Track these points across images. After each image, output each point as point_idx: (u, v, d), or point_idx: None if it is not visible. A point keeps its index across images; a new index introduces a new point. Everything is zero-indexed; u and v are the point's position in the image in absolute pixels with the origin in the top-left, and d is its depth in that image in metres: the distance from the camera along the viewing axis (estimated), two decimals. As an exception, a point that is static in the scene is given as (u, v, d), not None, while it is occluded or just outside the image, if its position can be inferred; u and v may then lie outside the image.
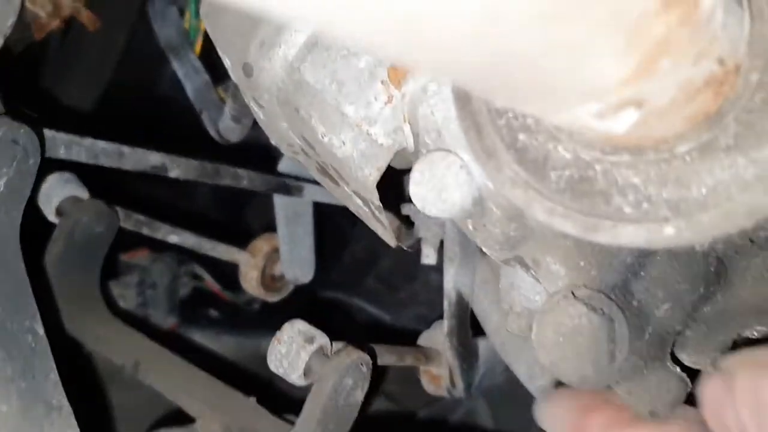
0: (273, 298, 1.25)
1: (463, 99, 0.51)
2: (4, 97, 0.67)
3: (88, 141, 0.72)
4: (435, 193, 0.55)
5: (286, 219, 1.12)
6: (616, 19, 0.25)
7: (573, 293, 0.52)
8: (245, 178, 0.96)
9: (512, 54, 0.25)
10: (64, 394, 0.58)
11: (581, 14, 0.24)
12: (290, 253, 1.15)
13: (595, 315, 0.51)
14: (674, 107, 0.36)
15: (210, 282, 1.34)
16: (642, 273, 0.54)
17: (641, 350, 0.54)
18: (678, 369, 0.58)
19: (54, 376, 0.58)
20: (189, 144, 0.97)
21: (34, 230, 0.90)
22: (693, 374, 0.58)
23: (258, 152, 1.05)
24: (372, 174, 0.63)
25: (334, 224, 1.49)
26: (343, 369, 0.71)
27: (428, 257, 0.93)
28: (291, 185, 1.06)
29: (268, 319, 1.41)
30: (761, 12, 0.39)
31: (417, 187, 0.55)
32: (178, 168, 0.85)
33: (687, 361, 0.59)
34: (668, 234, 0.41)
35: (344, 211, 0.77)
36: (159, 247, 1.29)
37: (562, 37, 0.25)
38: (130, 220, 0.97)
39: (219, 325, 1.34)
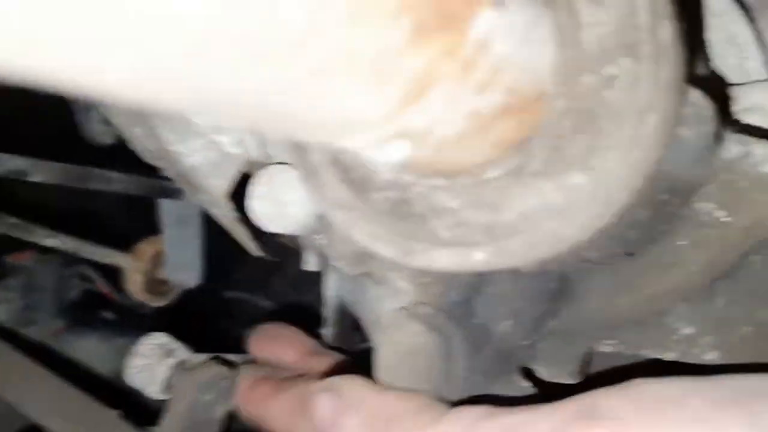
0: (158, 302, 1.22)
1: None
2: None
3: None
4: (275, 209, 0.53)
5: (171, 222, 1.10)
6: (353, 57, 0.24)
7: (412, 311, 0.52)
8: (117, 181, 0.93)
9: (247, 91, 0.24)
10: None
11: (316, 54, 0.23)
12: (175, 256, 1.12)
13: (432, 334, 0.51)
14: (469, 136, 0.35)
15: (100, 284, 1.30)
16: (484, 290, 0.53)
17: (482, 367, 0.54)
18: (527, 384, 0.58)
19: None
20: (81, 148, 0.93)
21: None
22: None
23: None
24: (221, 184, 0.61)
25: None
26: (202, 383, 0.69)
27: (309, 263, 0.91)
28: (172, 188, 1.03)
29: (165, 319, 1.39)
30: (568, 38, 0.38)
31: (256, 202, 0.54)
32: (40, 172, 0.82)
33: (545, 374, 0.59)
34: (477, 259, 0.41)
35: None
36: (46, 249, 1.25)
37: (298, 73, 0.24)
38: (3, 224, 0.93)
39: (111, 327, 1.31)
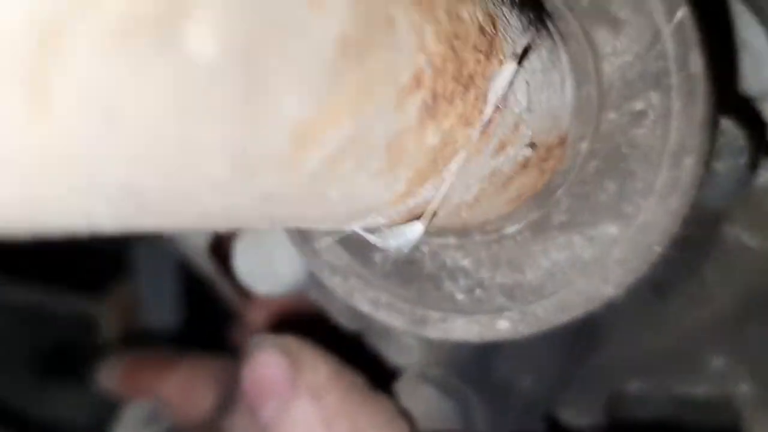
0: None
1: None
2: None
3: None
4: (263, 268, 0.48)
5: (146, 267, 1.04)
6: (364, 144, 0.20)
7: (425, 374, 0.47)
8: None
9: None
10: None
11: (321, 152, 0.19)
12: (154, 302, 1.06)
13: (448, 399, 0.46)
14: (486, 197, 0.31)
15: (74, 334, 1.23)
16: (501, 346, 0.49)
17: (506, 425, 0.49)
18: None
19: None
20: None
21: None
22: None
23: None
24: (201, 240, 0.56)
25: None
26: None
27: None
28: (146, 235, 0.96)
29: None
30: (587, 73, 0.34)
31: (241, 260, 0.49)
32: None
33: (570, 420, 0.55)
34: (501, 329, 0.36)
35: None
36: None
37: (302, 176, 0.19)
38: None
39: (85, 379, 1.24)
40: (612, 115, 0.34)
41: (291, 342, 0.43)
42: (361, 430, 0.40)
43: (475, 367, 0.47)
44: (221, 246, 0.56)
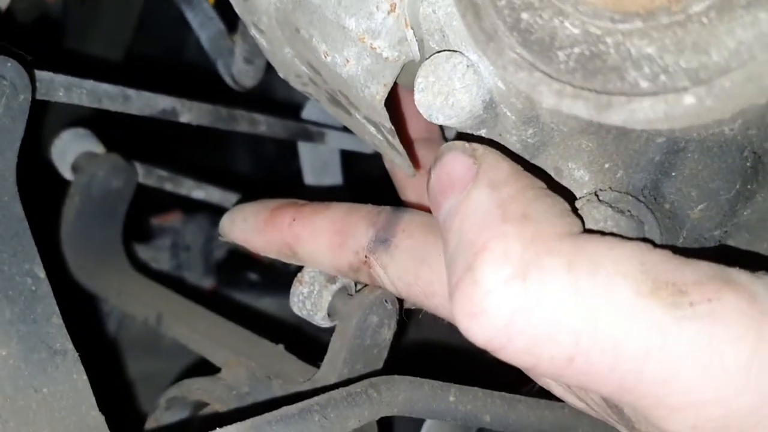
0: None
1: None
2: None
3: (89, 83, 0.69)
4: (441, 98, 0.50)
5: (312, 169, 1.09)
6: None
7: (597, 196, 0.48)
8: (263, 124, 0.93)
9: None
10: (68, 338, 0.55)
11: None
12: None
13: (623, 217, 0.46)
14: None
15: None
16: (673, 172, 0.48)
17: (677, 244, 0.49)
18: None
19: (57, 320, 0.55)
20: (211, 97, 0.94)
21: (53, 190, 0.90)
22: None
23: (280, 101, 1.01)
24: (379, 92, 0.58)
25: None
26: (367, 306, 0.67)
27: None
28: (312, 131, 1.02)
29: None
30: None
31: (421, 94, 0.51)
32: (189, 112, 0.82)
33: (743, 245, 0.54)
34: (688, 103, 0.36)
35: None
36: (192, 209, 1.27)
37: None
38: (152, 176, 0.95)
39: (258, 286, 1.32)
40: None
41: (476, 146, 0.45)
42: (533, 217, 0.40)
43: (647, 194, 0.48)
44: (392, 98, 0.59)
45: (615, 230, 0.46)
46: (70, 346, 0.56)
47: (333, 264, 0.64)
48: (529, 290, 0.38)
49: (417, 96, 0.51)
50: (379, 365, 0.70)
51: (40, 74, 0.66)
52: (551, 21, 0.41)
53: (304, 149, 1.10)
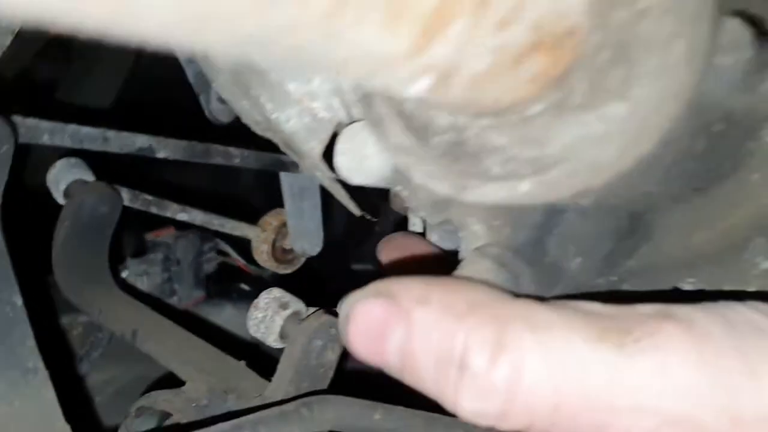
0: (285, 270, 1.31)
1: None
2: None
3: (71, 127, 0.78)
4: (356, 162, 0.58)
5: (291, 194, 1.17)
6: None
7: (482, 251, 0.55)
8: (237, 157, 1.01)
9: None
10: (40, 357, 0.64)
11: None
12: (298, 226, 1.20)
13: (501, 270, 0.54)
14: (500, 72, 0.39)
15: (235, 257, 1.41)
16: (554, 230, 0.56)
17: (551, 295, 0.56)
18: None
19: (31, 342, 0.64)
20: (198, 130, 1.02)
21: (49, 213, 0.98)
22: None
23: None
24: (316, 147, 0.66)
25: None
26: (312, 331, 0.75)
27: (415, 225, 0.96)
28: (286, 161, 1.10)
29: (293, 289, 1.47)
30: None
31: (340, 157, 0.59)
32: (165, 149, 0.90)
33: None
34: (523, 191, 0.44)
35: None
36: (184, 226, 1.36)
37: (311, 15, 0.28)
38: (138, 201, 1.03)
39: (246, 298, 1.41)
40: (621, 13, 0.41)
41: (374, 286, 0.47)
42: (478, 303, 0.44)
43: (530, 249, 0.55)
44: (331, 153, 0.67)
45: (495, 281, 0.54)
46: (41, 365, 0.64)
47: None
48: (513, 362, 0.41)
49: (336, 158, 0.59)
50: (325, 384, 0.78)
51: (27, 121, 0.74)
52: (428, 111, 0.49)
53: (284, 175, 1.18)
